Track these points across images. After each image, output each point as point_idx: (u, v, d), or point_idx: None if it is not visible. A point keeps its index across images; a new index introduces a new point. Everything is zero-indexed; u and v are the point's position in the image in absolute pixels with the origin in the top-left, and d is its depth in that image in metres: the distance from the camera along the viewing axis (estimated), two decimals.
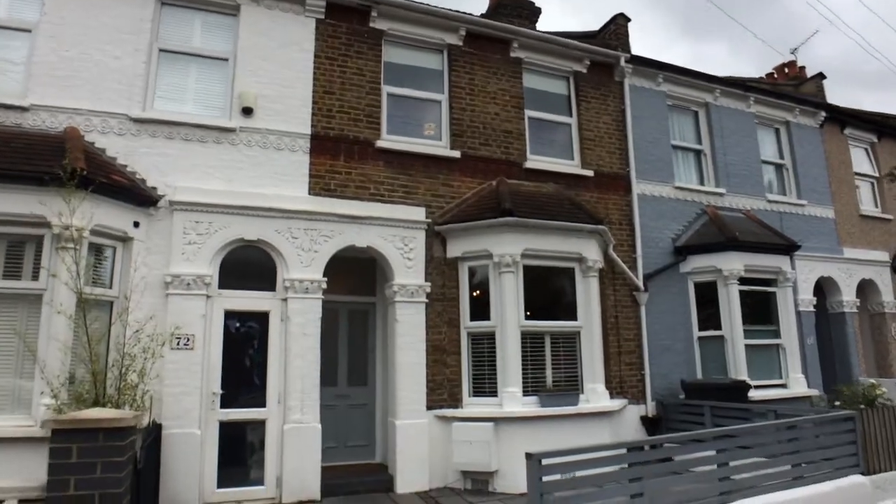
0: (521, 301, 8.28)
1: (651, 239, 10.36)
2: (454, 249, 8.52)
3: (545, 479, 4.61)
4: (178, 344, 6.98)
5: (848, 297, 12.65)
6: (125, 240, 7.01)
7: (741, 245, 10.20)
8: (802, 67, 15.73)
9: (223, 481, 6.97)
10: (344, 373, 8.90)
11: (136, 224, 7.10)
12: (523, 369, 8.11)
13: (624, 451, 5.19)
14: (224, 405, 7.17)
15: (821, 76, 14.16)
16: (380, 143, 8.50)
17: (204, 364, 7.09)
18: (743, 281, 10.31)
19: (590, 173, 9.95)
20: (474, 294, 8.50)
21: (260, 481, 7.16)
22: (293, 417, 7.31)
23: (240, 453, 7.27)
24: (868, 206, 14.02)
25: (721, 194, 11.33)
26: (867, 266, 13.14)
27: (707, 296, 10.46)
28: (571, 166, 9.98)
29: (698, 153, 11.66)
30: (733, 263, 10.20)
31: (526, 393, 8.05)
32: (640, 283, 9.89)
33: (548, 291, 8.87)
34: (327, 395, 8.33)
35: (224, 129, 7.76)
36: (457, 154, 8.94)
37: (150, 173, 7.38)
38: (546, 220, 8.43)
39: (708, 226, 10.71)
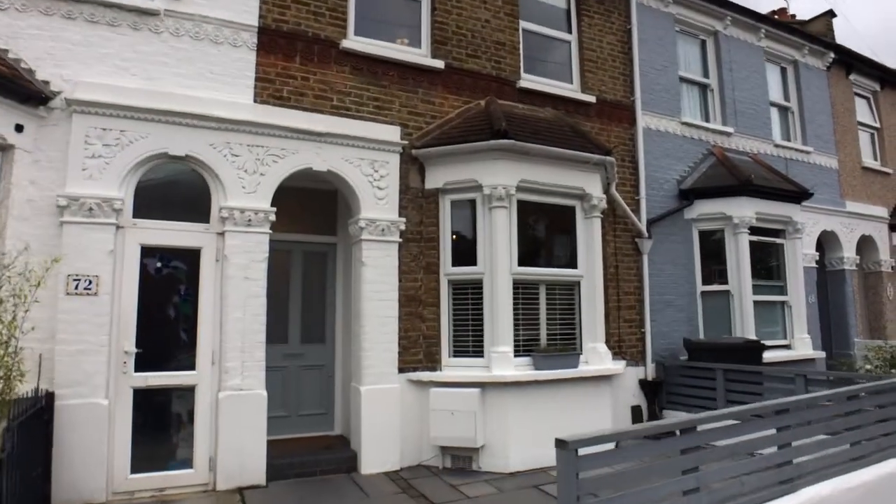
0: (514, 244, 6.85)
1: (655, 180, 9.05)
2: (434, 179, 6.99)
3: (582, 475, 3.26)
4: (75, 288, 5.30)
5: (848, 253, 11.76)
6: (3, 148, 5.23)
7: (755, 190, 9.00)
8: (793, 15, 14.47)
9: (139, 465, 5.42)
10: (297, 328, 7.36)
11: (19, 128, 5.31)
12: (515, 325, 6.75)
13: (676, 432, 3.87)
14: (140, 367, 5.56)
15: (830, 14, 12.94)
16: (346, 45, 6.79)
17: (113, 315, 5.45)
18: (752, 231, 9.16)
19: (591, 99, 8.48)
20: (457, 235, 7.03)
21: (188, 463, 5.64)
22: (231, 383, 5.77)
23: (161, 429, 5.71)
24: (868, 158, 13.08)
25: (728, 134, 10.06)
26: (867, 221, 12.25)
27: (711, 246, 9.28)
28: (570, 90, 8.47)
29: (704, 88, 10.32)
30: (744, 210, 9.01)
31: (518, 353, 6.71)
32: (644, 229, 8.60)
33: (544, 234, 7.48)
34: (275, 355, 6.83)
35: (144, 10, 5.91)
36: (440, 65, 7.31)
37: (42, 63, 5.52)
38: (548, 146, 6.96)
39: (716, 168, 9.46)
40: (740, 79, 10.48)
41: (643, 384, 8.36)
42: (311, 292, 7.50)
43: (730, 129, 10.07)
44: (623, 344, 8.24)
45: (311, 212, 7.53)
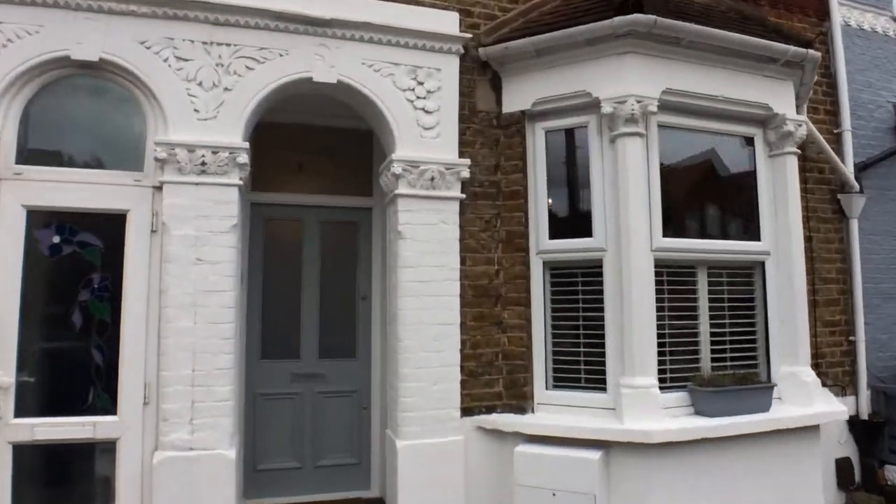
0: (655, 199, 4.03)
1: (861, 104, 5.85)
2: (518, 97, 4.27)
3: None
4: None
5: None
6: None
7: None
8: None
9: None
10: (313, 335, 4.90)
11: None
12: (660, 337, 3.94)
13: None
14: (26, 410, 3.30)
15: None
16: None
17: None
18: None
19: None
20: (556, 187, 4.29)
21: None
22: (173, 437, 3.39)
23: None
24: None
25: None
26: None
27: None
28: None
29: None
30: None
31: (665, 385, 3.91)
32: (851, 178, 5.46)
33: (702, 185, 4.57)
34: (280, 377, 4.55)
35: None
36: None
37: None
38: (711, 28, 4.05)
39: None
40: None
41: (854, 424, 5.28)
42: (335, 282, 5.01)
43: None
44: (822, 362, 5.19)
45: (335, 163, 5.04)
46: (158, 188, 3.55)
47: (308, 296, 4.89)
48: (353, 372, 4.92)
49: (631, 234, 3.88)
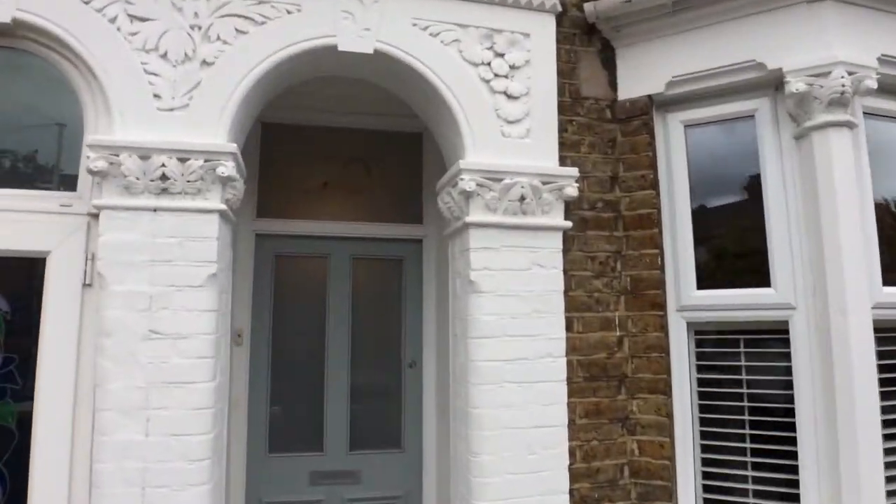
0: (870, 227, 2.55)
1: None
2: (641, 75, 2.87)
3: None
4: None
5: None
6: None
7: None
8: None
9: None
10: (341, 420, 3.48)
11: None
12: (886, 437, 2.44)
13: None
14: None
15: None
16: None
17: None
18: None
19: None
20: (704, 209, 2.84)
21: None
22: None
23: None
24: None
25: None
26: None
27: None
28: None
29: None
30: None
31: None
32: None
33: None
34: (295, 477, 3.19)
35: None
36: None
37: None
38: None
39: None
40: None
41: None
42: (372, 343, 3.62)
43: None
44: None
45: (371, 180, 3.70)
46: (94, 217, 2.24)
47: (335, 363, 3.51)
48: (399, 469, 3.51)
49: (844, 282, 2.40)
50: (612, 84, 2.92)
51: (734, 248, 2.76)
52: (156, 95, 2.30)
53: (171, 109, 2.31)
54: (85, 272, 2.23)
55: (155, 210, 2.21)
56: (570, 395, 2.55)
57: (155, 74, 2.31)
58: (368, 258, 3.61)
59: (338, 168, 3.61)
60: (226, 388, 2.49)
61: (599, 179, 2.80)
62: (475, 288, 2.47)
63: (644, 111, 2.85)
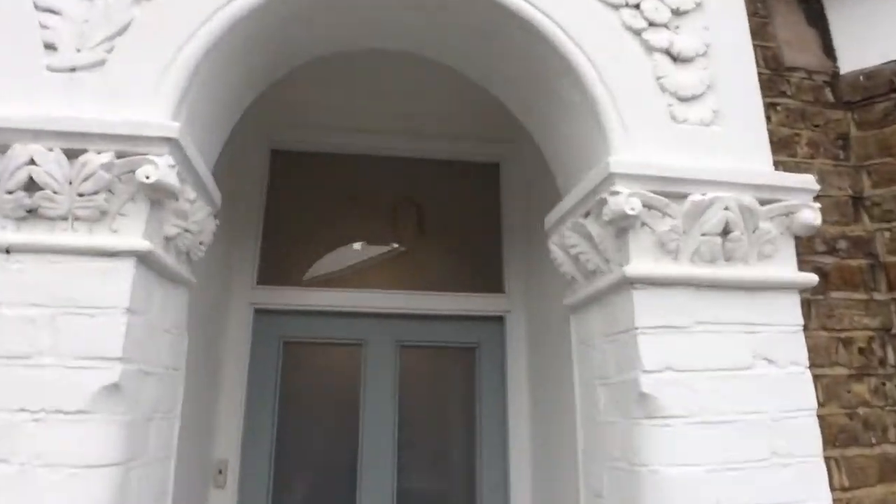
0: None
1: None
2: (877, 31, 1.70)
3: None
4: None
5: None
6: None
7: None
8: None
9: None
10: None
11: None
12: None
13: None
14: None
15: None
16: None
17: None
18: None
19: None
20: None
21: None
22: None
23: None
24: None
25: None
26: None
27: None
28: None
29: None
30: None
31: None
32: None
33: None
34: None
35: None
36: None
37: None
38: None
39: None
40: None
41: None
42: (426, 474, 2.35)
43: None
44: None
45: (424, 230, 2.55)
46: None
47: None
48: None
49: None
50: (828, 49, 1.77)
51: None
52: (49, 46, 1.24)
53: (73, 69, 1.23)
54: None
55: (7, 251, 1.08)
56: None
57: (51, 12, 1.26)
58: (423, 346, 2.40)
59: (377, 212, 2.49)
60: None
61: (835, 201, 1.59)
62: (650, 408, 1.23)
63: (893, 88, 1.67)
